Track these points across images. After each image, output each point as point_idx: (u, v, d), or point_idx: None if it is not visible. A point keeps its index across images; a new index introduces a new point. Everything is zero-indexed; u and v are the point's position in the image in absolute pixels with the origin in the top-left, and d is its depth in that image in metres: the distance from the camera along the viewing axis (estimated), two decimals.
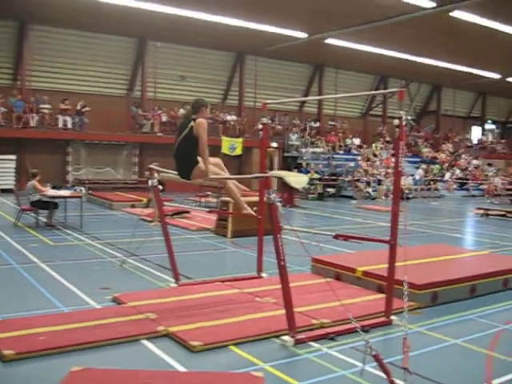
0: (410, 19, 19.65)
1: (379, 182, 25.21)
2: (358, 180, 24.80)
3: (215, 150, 22.42)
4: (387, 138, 31.60)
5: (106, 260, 9.40)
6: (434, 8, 18.65)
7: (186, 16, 20.29)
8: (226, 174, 6.83)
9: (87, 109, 23.49)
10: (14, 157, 22.32)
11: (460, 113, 39.01)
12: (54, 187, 13.75)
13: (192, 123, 6.18)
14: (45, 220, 12.96)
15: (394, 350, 5.05)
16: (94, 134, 23.65)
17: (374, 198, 24.13)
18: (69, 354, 4.98)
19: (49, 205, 12.71)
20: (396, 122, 5.88)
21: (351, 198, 23.81)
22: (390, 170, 25.07)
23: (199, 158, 6.27)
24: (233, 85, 28.75)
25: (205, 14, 20.13)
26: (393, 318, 6.13)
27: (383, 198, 23.98)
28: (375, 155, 29.34)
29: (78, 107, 23.48)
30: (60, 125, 23.04)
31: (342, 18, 20.23)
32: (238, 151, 22.80)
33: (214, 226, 12.93)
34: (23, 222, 12.90)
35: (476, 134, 41.40)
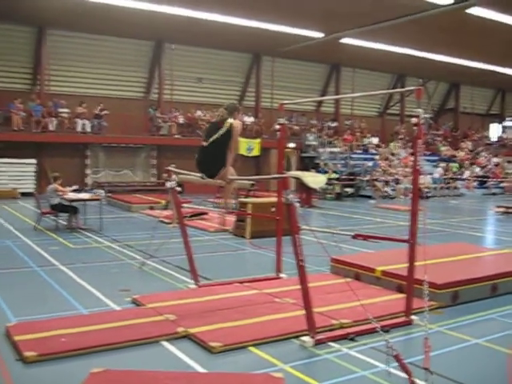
0: (426, 17, 19.50)
1: (397, 182, 25.06)
2: (376, 179, 24.68)
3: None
4: (401, 137, 31.42)
5: (125, 262, 9.45)
6: (450, 5, 18.48)
7: (201, 18, 20.34)
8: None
9: (106, 112, 23.66)
10: (33, 161, 22.54)
11: (479, 110, 38.60)
12: (74, 190, 13.86)
13: (229, 125, 6.22)
14: (65, 223, 13.07)
15: (415, 350, 5.02)
16: (112, 136, 23.80)
17: (392, 198, 23.99)
18: (89, 355, 5.01)
19: (68, 208, 12.82)
20: (414, 120, 5.83)
21: (369, 197, 23.69)
22: (408, 169, 24.90)
23: None
24: (249, 86, 28.77)
25: (220, 15, 20.16)
26: (413, 317, 6.09)
27: (402, 197, 23.82)
28: (393, 154, 29.18)
29: (97, 111, 23.65)
30: (79, 128, 23.22)
31: (358, 17, 20.14)
32: (256, 152, 22.88)
33: (233, 227, 12.93)
34: (43, 225, 13.02)
35: (495, 131, 40.98)
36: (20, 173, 22.19)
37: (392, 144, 30.41)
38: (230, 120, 6.27)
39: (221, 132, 6.25)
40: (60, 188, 12.72)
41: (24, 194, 21.08)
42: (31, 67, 23.70)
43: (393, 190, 24.61)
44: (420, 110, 5.77)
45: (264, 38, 23.44)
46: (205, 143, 6.36)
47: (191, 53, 26.34)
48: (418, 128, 5.81)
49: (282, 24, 21.38)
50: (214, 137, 6.28)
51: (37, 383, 4.56)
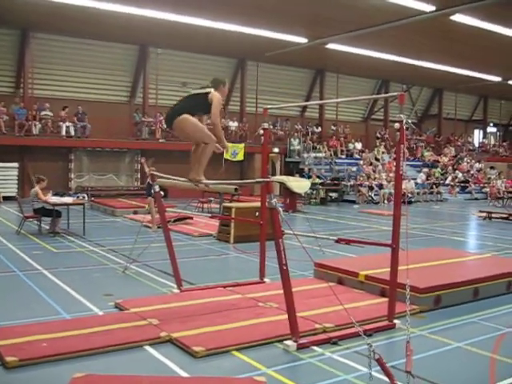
0: (411, 23, 19.64)
1: (381, 187, 25.19)
2: (360, 185, 24.79)
3: (217, 156, 22.54)
4: (380, 141, 31.64)
5: (108, 266, 9.41)
6: (433, 12, 18.65)
7: (186, 23, 20.33)
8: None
9: (81, 110, 23.48)
10: (16, 164, 22.37)
11: (462, 116, 38.96)
12: (56, 194, 13.77)
13: (210, 90, 6.18)
14: (47, 227, 12.98)
15: (398, 354, 5.04)
16: (96, 141, 23.67)
17: (376, 203, 24.11)
18: (71, 360, 4.98)
19: (51, 212, 12.73)
20: (397, 125, 5.88)
21: (354, 202, 23.80)
22: (392, 174, 25.04)
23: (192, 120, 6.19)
24: (234, 91, 28.78)
25: (205, 20, 20.16)
26: (396, 321, 6.12)
27: (386, 202, 23.95)
28: (377, 159, 29.35)
29: (80, 113, 23.52)
30: (63, 132, 23.08)
31: (342, 22, 20.24)
32: (240, 157, 22.87)
33: (217, 232, 12.93)
34: (26, 230, 12.92)
35: (478, 137, 41.39)
36: (3, 177, 21.99)
37: (376, 149, 30.56)
38: (212, 89, 6.20)
39: (201, 91, 6.21)
40: (40, 195, 12.57)
41: (6, 198, 20.90)
42: (14, 70, 23.50)
43: (376, 194, 24.73)
44: (402, 115, 5.82)
45: (249, 43, 23.49)
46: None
47: (176, 57, 26.32)
48: (400, 133, 5.86)
49: (267, 29, 21.42)
50: (193, 93, 6.28)
51: None
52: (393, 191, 12.18)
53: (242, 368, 4.93)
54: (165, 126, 6.14)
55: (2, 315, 6.30)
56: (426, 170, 29.39)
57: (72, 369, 4.65)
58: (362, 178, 25.24)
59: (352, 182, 24.97)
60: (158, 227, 13.09)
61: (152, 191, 13.26)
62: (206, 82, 6.50)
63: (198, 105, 6.20)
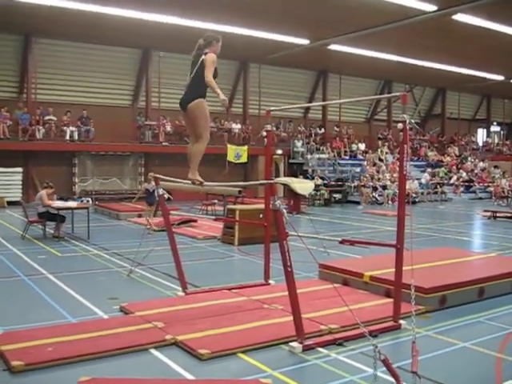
0: (413, 23, 19.64)
1: (385, 187, 25.16)
2: (364, 185, 24.76)
3: (221, 158, 22.56)
4: (384, 140, 31.64)
5: (113, 270, 9.42)
6: (435, 12, 18.64)
7: (188, 26, 20.34)
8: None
9: (86, 114, 23.55)
10: (20, 169, 22.41)
11: (465, 115, 38.91)
12: (60, 198, 13.80)
13: (203, 57, 6.15)
14: (52, 232, 13.00)
15: (403, 355, 5.04)
16: (100, 144, 23.71)
17: (380, 203, 24.08)
18: (77, 364, 4.98)
19: (56, 217, 12.75)
20: (400, 125, 5.88)
21: (358, 203, 23.78)
22: (395, 175, 25.01)
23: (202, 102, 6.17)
24: (237, 93, 28.80)
25: (207, 23, 20.16)
26: (401, 322, 6.11)
27: (390, 202, 23.91)
28: (381, 160, 29.33)
29: (84, 117, 23.58)
30: (67, 136, 23.13)
31: (344, 24, 20.25)
32: (244, 159, 22.86)
33: (221, 234, 12.93)
34: (31, 234, 12.94)
35: (482, 136, 41.31)
36: (7, 181, 22.04)
37: (379, 150, 30.55)
38: (203, 56, 6.17)
39: (197, 65, 6.17)
40: (45, 199, 12.59)
41: (11, 203, 20.93)
42: (18, 75, 23.58)
43: (380, 195, 24.70)
44: (405, 115, 5.81)
45: (251, 45, 23.50)
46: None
47: (178, 60, 26.24)
48: (404, 133, 5.86)
49: (269, 31, 21.44)
50: (193, 71, 6.22)
51: None
52: (397, 191, 12.19)
53: (247, 370, 4.93)
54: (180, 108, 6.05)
55: (7, 320, 6.31)
56: (429, 169, 29.34)
57: (78, 373, 4.65)
58: (365, 179, 25.19)
59: (356, 183, 24.94)
60: (155, 230, 13.19)
61: (155, 198, 13.55)
62: None
63: (202, 78, 6.13)
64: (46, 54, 23.33)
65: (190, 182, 6.56)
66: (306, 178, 24.70)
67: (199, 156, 6.29)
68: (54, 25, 20.78)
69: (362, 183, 24.91)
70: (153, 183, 13.88)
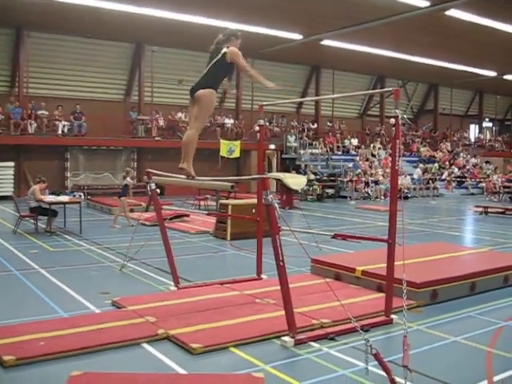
0: (405, 19, 19.66)
1: (377, 182, 25.20)
2: (351, 180, 24.65)
3: (214, 153, 22.53)
4: (377, 138, 31.70)
5: (105, 265, 9.41)
6: (428, 7, 18.67)
7: (181, 20, 20.32)
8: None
9: (79, 109, 23.47)
10: (12, 164, 22.29)
11: (457, 111, 39.05)
12: (52, 193, 13.76)
13: (225, 50, 6.14)
14: (44, 226, 12.96)
15: (395, 349, 5.05)
16: (92, 139, 23.62)
17: (375, 198, 24.12)
18: (69, 358, 4.98)
19: (47, 211, 12.71)
20: (392, 120, 5.89)
21: (351, 198, 23.80)
22: (388, 170, 25.04)
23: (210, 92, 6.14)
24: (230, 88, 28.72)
25: (200, 17, 20.14)
26: (393, 316, 6.14)
27: (382, 198, 23.96)
28: (373, 155, 29.37)
29: (77, 112, 23.49)
30: (59, 131, 23.04)
31: (337, 18, 20.25)
32: (236, 154, 22.84)
33: (214, 229, 12.93)
34: (22, 229, 12.89)
35: (474, 132, 41.44)
36: None
37: (372, 145, 30.58)
38: (225, 49, 6.16)
39: (218, 56, 6.14)
40: (37, 193, 12.55)
41: (2, 198, 20.84)
42: (9, 69, 23.43)
43: (372, 190, 24.72)
44: (398, 110, 5.82)
45: (244, 39, 23.14)
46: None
47: (171, 55, 26.27)
48: (396, 128, 5.87)
49: (262, 26, 21.42)
50: (212, 61, 6.21)
51: None
52: (389, 187, 12.24)
53: (239, 364, 4.94)
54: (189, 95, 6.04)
55: None
56: (422, 165, 29.42)
57: (69, 367, 4.65)
58: (358, 175, 25.08)
59: (349, 178, 24.97)
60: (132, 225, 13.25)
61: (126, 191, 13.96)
62: None
63: (221, 70, 6.22)
64: (38, 48, 23.21)
65: (182, 177, 6.53)
66: (299, 173, 24.73)
67: (190, 145, 6.21)
68: (47, 18, 20.67)
69: (349, 179, 24.63)
70: (128, 178, 14.27)
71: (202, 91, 6.07)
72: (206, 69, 6.26)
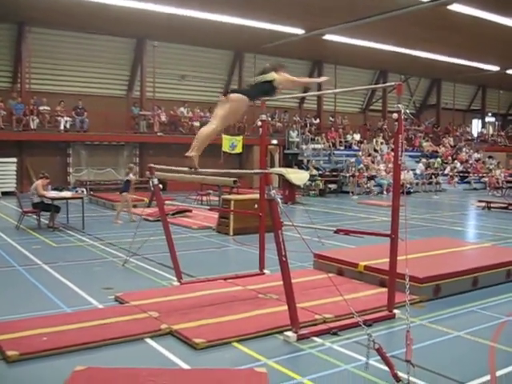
0: (408, 13, 19.58)
1: (373, 178, 25.14)
2: (353, 175, 24.61)
3: (216, 148, 22.51)
4: (371, 130, 31.70)
5: (108, 260, 9.42)
6: (431, 2, 18.59)
7: (183, 15, 20.26)
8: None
9: (81, 104, 23.47)
10: (14, 159, 22.30)
11: (460, 106, 38.93)
12: (54, 189, 13.78)
13: (275, 75, 6.38)
14: (47, 222, 12.98)
15: (397, 344, 5.06)
16: (94, 134, 23.64)
17: (378, 193, 24.11)
18: (72, 354, 4.99)
19: (50, 207, 12.73)
20: (395, 115, 5.87)
21: (353, 193, 23.79)
22: (390, 165, 25.00)
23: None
24: (232, 83, 28.69)
25: (202, 12, 20.09)
26: (395, 311, 6.14)
27: (385, 193, 23.94)
28: (376, 150, 29.33)
29: (79, 107, 23.49)
30: (61, 127, 23.05)
31: (339, 13, 20.17)
32: (239, 149, 22.80)
33: (216, 224, 12.93)
34: (25, 225, 12.91)
35: (476, 126, 41.36)
36: (1, 172, 21.90)
37: (375, 140, 30.54)
38: (275, 74, 6.38)
39: (267, 77, 6.37)
40: (40, 189, 12.58)
41: (5, 193, 20.88)
42: (11, 65, 23.43)
43: (375, 185, 24.70)
44: (400, 105, 5.81)
45: (246, 34, 23.41)
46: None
47: (173, 50, 26.23)
48: (398, 123, 5.86)
49: (264, 21, 21.37)
50: (257, 81, 6.48)
51: (19, 383, 4.54)
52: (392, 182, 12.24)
53: (242, 359, 4.95)
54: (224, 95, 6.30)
55: (2, 310, 6.31)
56: (424, 160, 29.37)
57: (73, 362, 4.66)
58: (361, 170, 25.02)
59: (351, 173, 24.94)
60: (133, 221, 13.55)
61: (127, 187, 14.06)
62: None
63: (265, 89, 6.49)
64: (40, 44, 23.19)
65: (185, 169, 6.45)
66: (301, 168, 24.69)
67: (206, 138, 6.18)
68: (48, 14, 20.63)
69: (352, 173, 24.60)
70: (131, 174, 14.47)
71: (237, 95, 6.23)
72: (254, 82, 6.57)
